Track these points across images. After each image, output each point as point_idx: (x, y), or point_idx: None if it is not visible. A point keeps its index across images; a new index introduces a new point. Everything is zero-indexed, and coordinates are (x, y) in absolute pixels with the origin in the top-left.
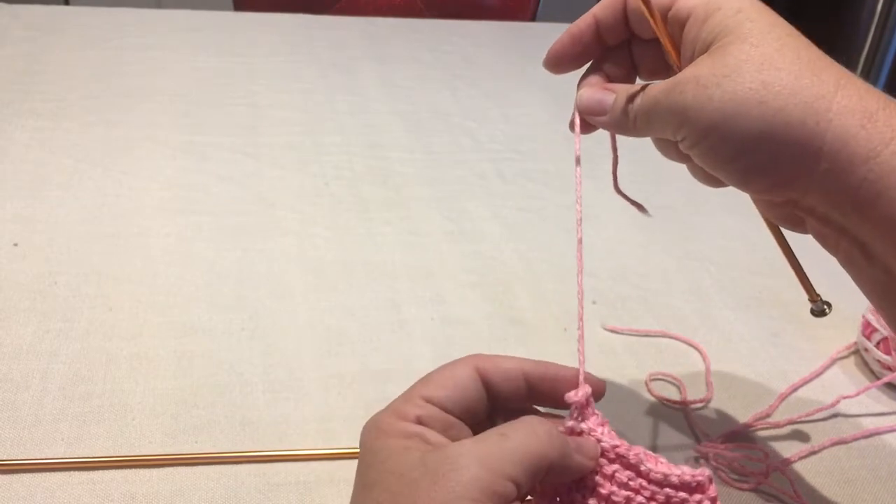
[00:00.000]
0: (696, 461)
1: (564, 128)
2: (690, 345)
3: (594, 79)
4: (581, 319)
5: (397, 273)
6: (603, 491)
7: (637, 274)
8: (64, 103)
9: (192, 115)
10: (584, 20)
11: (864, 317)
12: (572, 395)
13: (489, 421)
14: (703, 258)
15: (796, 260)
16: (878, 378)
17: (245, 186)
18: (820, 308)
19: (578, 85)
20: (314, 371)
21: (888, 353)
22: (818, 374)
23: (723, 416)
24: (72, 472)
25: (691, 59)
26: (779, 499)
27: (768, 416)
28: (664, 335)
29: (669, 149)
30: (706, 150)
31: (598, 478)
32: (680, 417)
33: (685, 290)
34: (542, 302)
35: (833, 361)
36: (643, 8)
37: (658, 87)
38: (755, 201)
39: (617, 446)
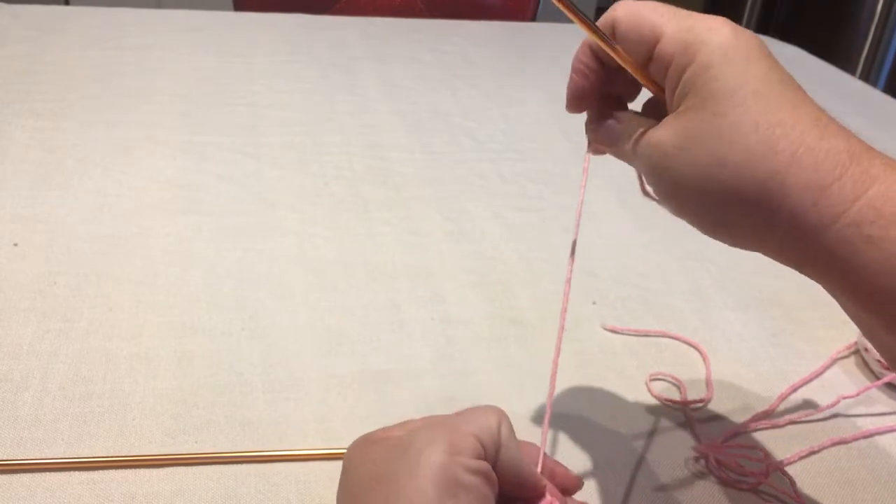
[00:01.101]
0: (695, 461)
1: (564, 128)
2: (690, 345)
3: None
4: (553, 380)
5: (397, 273)
6: None
7: (637, 274)
8: (64, 103)
9: (192, 115)
10: (582, 52)
11: None
12: None
13: None
14: (703, 258)
15: None
16: (878, 378)
17: (245, 186)
18: None
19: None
20: (314, 371)
21: None
22: (818, 374)
23: (723, 416)
24: (72, 472)
25: (673, 105)
26: (779, 499)
27: (768, 416)
28: (664, 335)
29: None
30: (674, 208)
31: None
32: (680, 417)
33: (685, 290)
34: (542, 302)
35: (833, 361)
36: (618, 59)
37: (646, 137)
38: None
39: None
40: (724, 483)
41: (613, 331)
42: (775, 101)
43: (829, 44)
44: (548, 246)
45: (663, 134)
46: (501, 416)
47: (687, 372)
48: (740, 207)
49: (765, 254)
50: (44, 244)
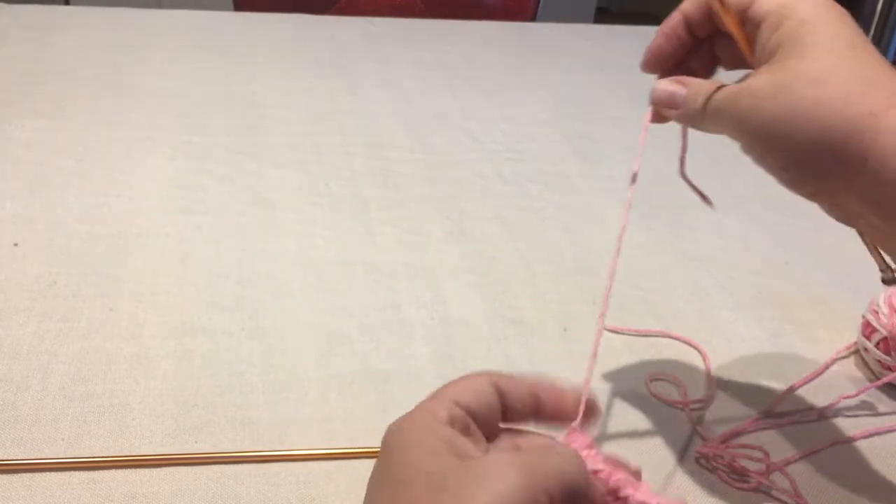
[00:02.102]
0: (696, 461)
1: (564, 128)
2: (690, 345)
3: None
4: (598, 337)
5: (397, 273)
6: None
7: (637, 274)
8: (64, 103)
9: (192, 115)
10: (674, 18)
11: (863, 317)
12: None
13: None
14: (703, 258)
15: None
16: (878, 378)
17: (245, 186)
18: (890, 277)
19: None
20: (314, 371)
21: (888, 353)
22: (818, 374)
23: (723, 416)
24: (72, 472)
25: (763, 61)
26: (779, 499)
27: (768, 416)
28: (664, 335)
29: None
30: (758, 157)
31: None
32: (680, 417)
33: (685, 290)
34: (542, 302)
35: (833, 361)
36: (720, 10)
37: (724, 92)
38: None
39: (599, 471)
40: (725, 483)
41: (613, 331)
42: (867, 55)
43: None
44: (548, 246)
45: (756, 82)
46: (583, 464)
47: (687, 372)
48: (833, 148)
49: (837, 207)
50: (44, 244)
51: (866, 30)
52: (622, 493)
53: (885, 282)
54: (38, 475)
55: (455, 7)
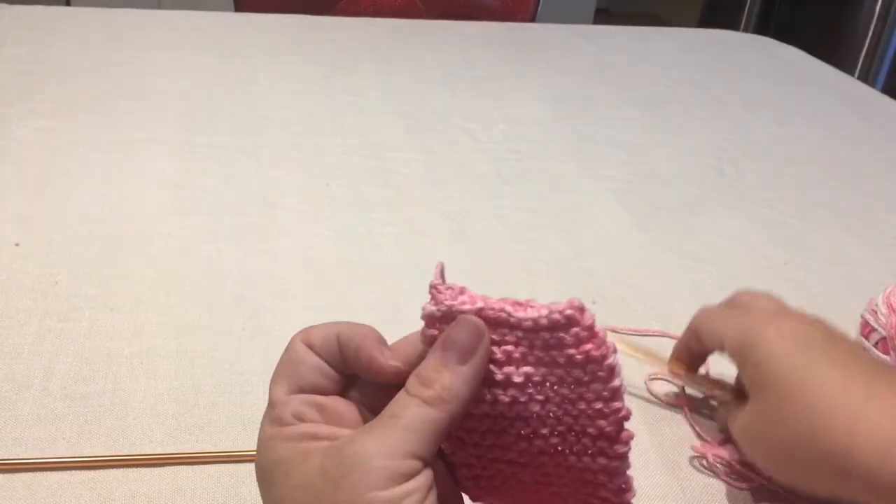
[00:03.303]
0: (696, 461)
1: (564, 128)
2: None
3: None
4: None
5: (397, 273)
6: None
7: (637, 274)
8: (64, 103)
9: (192, 115)
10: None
11: (862, 317)
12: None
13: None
14: (702, 258)
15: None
16: None
17: (245, 186)
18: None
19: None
20: None
21: (887, 353)
22: None
23: (722, 416)
24: (73, 472)
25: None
26: (779, 498)
27: None
28: (664, 335)
29: None
30: (770, 472)
31: None
32: (680, 417)
33: (685, 290)
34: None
35: None
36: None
37: (732, 423)
38: None
39: (482, 309)
40: (724, 482)
41: (613, 331)
42: (824, 381)
43: (829, 44)
44: (547, 246)
45: (745, 422)
46: (444, 401)
47: None
48: (818, 468)
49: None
50: (45, 244)
51: (865, 30)
52: (513, 319)
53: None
54: (39, 474)
55: (455, 7)
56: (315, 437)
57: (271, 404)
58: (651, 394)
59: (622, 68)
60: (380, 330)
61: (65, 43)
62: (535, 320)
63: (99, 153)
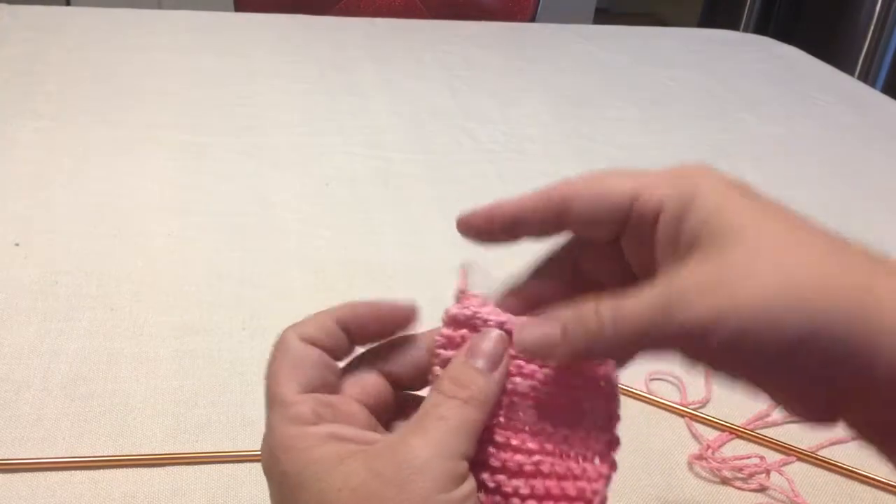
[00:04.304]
0: (696, 461)
1: (564, 128)
2: None
3: (513, 302)
4: None
5: (397, 273)
6: None
7: None
8: (64, 103)
9: (192, 115)
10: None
11: None
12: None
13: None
14: None
15: None
16: None
17: (245, 186)
18: None
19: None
20: None
21: None
22: None
23: (722, 417)
24: (73, 472)
25: (667, 264)
26: (778, 499)
27: (768, 416)
28: None
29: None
30: (735, 368)
31: None
32: (680, 418)
33: None
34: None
35: None
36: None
37: (639, 306)
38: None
39: (504, 322)
40: (724, 483)
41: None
42: (806, 226)
43: (829, 44)
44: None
45: (700, 277)
46: (477, 400)
47: (687, 372)
48: (831, 335)
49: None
50: (45, 244)
51: (865, 30)
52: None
53: None
54: (39, 474)
55: (455, 7)
56: (341, 438)
57: (283, 404)
58: (650, 393)
59: (622, 68)
60: None
61: (65, 43)
62: None
63: (99, 153)
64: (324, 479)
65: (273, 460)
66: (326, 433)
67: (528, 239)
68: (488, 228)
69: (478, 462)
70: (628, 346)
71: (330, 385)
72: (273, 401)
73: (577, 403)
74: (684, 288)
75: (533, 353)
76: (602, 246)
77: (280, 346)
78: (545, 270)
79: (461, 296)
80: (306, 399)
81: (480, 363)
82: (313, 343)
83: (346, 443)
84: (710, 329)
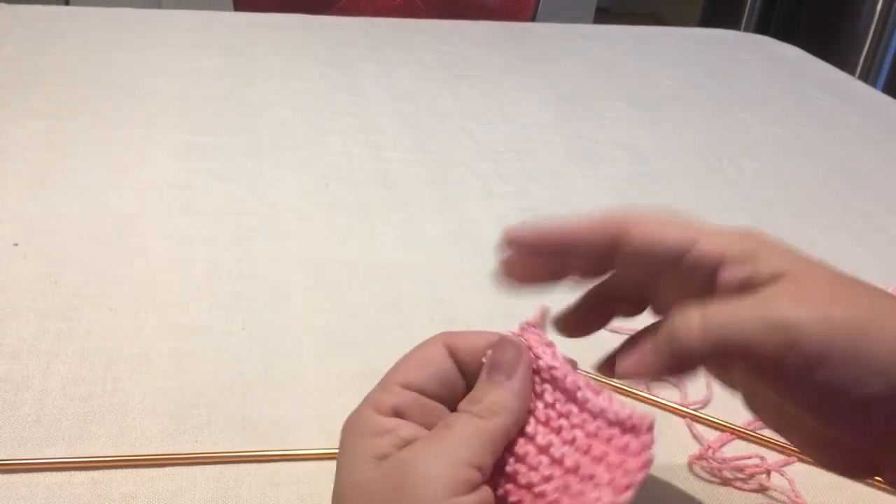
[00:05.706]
0: (696, 461)
1: (564, 128)
2: None
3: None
4: None
5: (397, 273)
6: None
7: None
8: (64, 103)
9: (192, 115)
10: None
11: None
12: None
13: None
14: None
15: None
16: None
17: (245, 186)
18: None
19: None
20: (314, 371)
21: None
22: None
23: (723, 417)
24: (72, 472)
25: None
26: (778, 499)
27: None
28: None
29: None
30: (809, 398)
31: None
32: (680, 418)
33: None
34: (541, 299)
35: None
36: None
37: (736, 304)
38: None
39: (553, 367)
40: (724, 483)
41: (613, 331)
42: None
43: (829, 44)
44: None
45: (784, 292)
46: (495, 413)
47: None
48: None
49: None
50: (44, 244)
51: (866, 30)
52: (579, 396)
53: None
54: (38, 475)
55: (455, 7)
56: (398, 436)
57: (382, 387)
58: (650, 394)
59: (622, 68)
60: (380, 330)
61: (65, 43)
62: (602, 409)
63: (99, 153)
64: (346, 469)
65: (343, 433)
66: (388, 427)
67: (572, 274)
68: (538, 244)
69: (503, 475)
70: (716, 342)
71: (439, 396)
72: (381, 382)
73: (603, 458)
74: (772, 296)
75: (630, 375)
76: (626, 283)
77: (425, 343)
78: (587, 305)
79: (526, 326)
80: (402, 393)
81: (497, 375)
82: (454, 355)
83: (396, 443)
84: (802, 330)
